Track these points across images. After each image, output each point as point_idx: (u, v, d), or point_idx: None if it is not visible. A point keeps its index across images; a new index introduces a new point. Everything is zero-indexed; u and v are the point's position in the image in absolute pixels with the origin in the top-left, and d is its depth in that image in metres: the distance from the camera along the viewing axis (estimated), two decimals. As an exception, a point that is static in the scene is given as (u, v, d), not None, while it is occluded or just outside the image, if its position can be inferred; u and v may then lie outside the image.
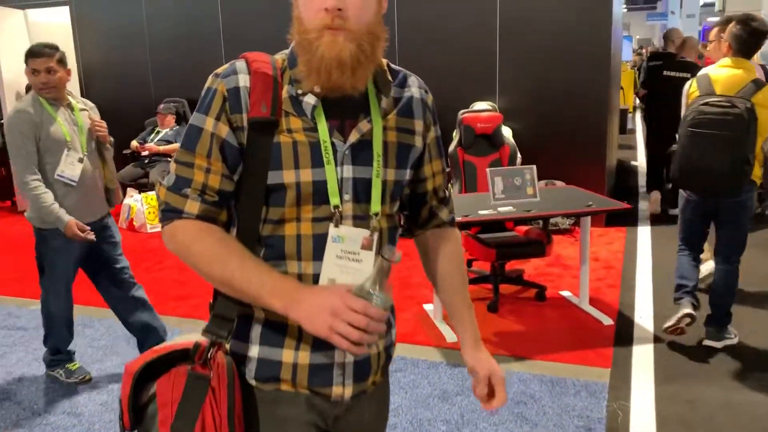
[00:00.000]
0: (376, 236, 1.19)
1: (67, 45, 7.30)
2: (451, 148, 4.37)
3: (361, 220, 1.18)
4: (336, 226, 1.16)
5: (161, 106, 6.75)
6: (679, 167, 3.27)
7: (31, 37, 7.39)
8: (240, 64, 1.18)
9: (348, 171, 1.17)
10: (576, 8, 5.59)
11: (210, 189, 1.15)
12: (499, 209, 3.64)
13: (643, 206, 6.58)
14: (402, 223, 1.38)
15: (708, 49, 4.14)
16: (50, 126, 2.97)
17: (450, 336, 3.62)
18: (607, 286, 4.38)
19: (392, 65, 1.28)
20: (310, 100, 1.16)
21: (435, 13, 6.03)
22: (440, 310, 3.82)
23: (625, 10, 36.38)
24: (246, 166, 1.16)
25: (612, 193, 6.62)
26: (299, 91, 1.16)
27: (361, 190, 1.18)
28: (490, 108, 5.22)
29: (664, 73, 6.18)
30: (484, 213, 3.58)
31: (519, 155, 5.67)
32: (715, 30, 3.73)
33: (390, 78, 1.25)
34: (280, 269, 1.16)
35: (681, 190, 3.44)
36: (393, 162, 1.22)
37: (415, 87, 1.30)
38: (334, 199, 1.16)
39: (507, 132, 5.74)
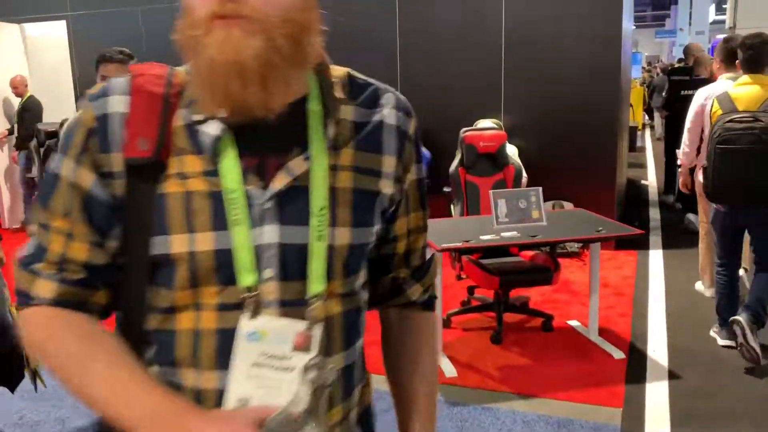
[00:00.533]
0: (318, 331, 0.80)
1: (63, 60, 7.17)
2: (453, 167, 4.15)
3: (292, 306, 0.80)
4: (252, 317, 0.78)
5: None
6: (712, 183, 3.36)
7: (28, 52, 7.27)
8: (118, 81, 0.82)
9: (271, 234, 0.79)
10: (585, 23, 5.39)
11: (72, 262, 0.80)
12: (503, 234, 3.41)
13: (655, 228, 6.34)
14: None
15: (715, 66, 4.18)
16: None
17: (449, 370, 3.38)
18: (617, 315, 4.14)
19: (358, 75, 0.92)
20: (211, 129, 0.78)
21: (437, 27, 5.84)
22: (441, 340, 3.58)
23: (634, 27, 36.43)
24: (125, 229, 0.80)
25: (622, 214, 6.39)
26: (197, 117, 0.79)
27: (291, 262, 0.79)
28: (495, 126, 5.00)
29: (682, 92, 6.26)
30: (486, 238, 3.35)
31: (525, 175, 5.45)
32: (721, 48, 3.99)
33: (347, 93, 0.88)
34: (170, 381, 0.80)
35: (713, 204, 3.53)
36: (347, 217, 0.83)
37: (389, 108, 0.90)
38: (247, 278, 0.78)
39: (512, 151, 5.53)
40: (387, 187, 0.88)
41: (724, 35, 5.10)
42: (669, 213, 6.95)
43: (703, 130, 3.72)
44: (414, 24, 5.91)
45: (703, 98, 3.80)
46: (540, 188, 3.60)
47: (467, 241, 3.29)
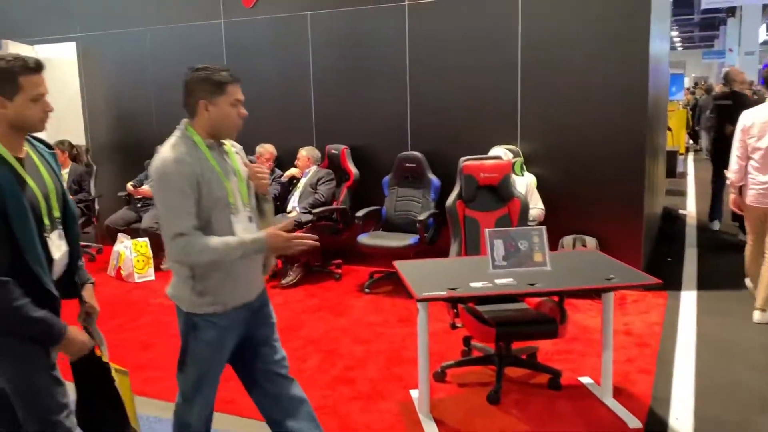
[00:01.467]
0: None
1: (72, 81, 7.03)
2: (450, 200, 3.73)
3: None
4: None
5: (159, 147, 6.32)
6: None
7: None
8: None
9: None
10: (609, 43, 4.92)
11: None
12: (497, 281, 2.96)
13: (689, 265, 5.76)
14: None
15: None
16: (211, 176, 2.17)
17: (434, 437, 2.94)
18: (638, 371, 3.62)
19: None
20: None
21: (449, 47, 5.45)
22: (428, 399, 3.13)
23: (681, 48, 35.34)
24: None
25: (653, 248, 5.84)
26: None
27: None
28: (502, 155, 4.56)
29: (727, 115, 6.14)
30: (477, 286, 2.90)
31: (541, 207, 5.00)
32: None
33: None
34: None
35: None
36: None
37: None
38: None
39: (530, 179, 5.09)
40: None
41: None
42: (708, 249, 6.35)
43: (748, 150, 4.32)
44: (424, 46, 5.54)
45: (748, 120, 4.34)
46: (544, 227, 3.15)
47: (454, 289, 2.86)
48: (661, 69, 6.77)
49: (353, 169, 5.71)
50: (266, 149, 5.95)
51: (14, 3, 7.37)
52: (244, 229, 2.19)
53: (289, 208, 5.72)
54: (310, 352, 4.03)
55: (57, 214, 2.06)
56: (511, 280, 2.98)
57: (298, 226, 5.43)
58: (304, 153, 5.82)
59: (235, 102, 2.19)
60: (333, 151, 5.80)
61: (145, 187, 6.22)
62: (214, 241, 2.09)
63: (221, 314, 2.19)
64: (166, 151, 2.12)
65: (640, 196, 5.04)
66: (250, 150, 6.03)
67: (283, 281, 5.41)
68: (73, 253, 2.14)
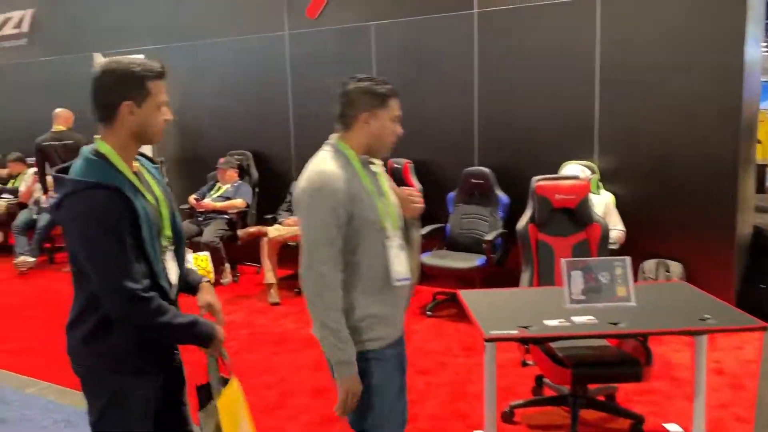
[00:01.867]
0: None
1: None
2: (522, 224, 3.44)
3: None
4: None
5: (222, 160, 6.27)
6: None
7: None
8: None
9: None
10: (697, 49, 4.51)
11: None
12: (574, 319, 2.65)
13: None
14: None
15: None
16: (364, 195, 1.95)
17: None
18: (733, 418, 3.22)
19: None
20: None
21: (520, 55, 5.14)
22: (494, 444, 2.85)
23: (766, 53, 33.43)
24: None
25: (744, 274, 5.34)
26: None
27: None
28: (579, 173, 4.23)
29: None
30: (552, 325, 2.61)
31: (621, 228, 4.62)
32: None
33: None
34: None
35: None
36: None
37: None
38: None
39: (608, 198, 4.72)
40: None
41: None
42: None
43: None
44: (494, 55, 5.25)
45: None
46: (628, 258, 2.81)
47: (525, 327, 2.57)
48: (754, 76, 6.25)
49: (417, 185, 5.47)
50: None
51: (92, 17, 7.53)
52: (397, 257, 1.98)
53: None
54: (369, 381, 3.81)
55: (169, 233, 1.86)
56: (591, 318, 2.66)
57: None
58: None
59: (395, 118, 2.00)
60: (395, 166, 5.58)
61: (207, 201, 6.17)
62: (337, 299, 1.90)
63: (383, 349, 1.99)
64: (316, 166, 1.93)
65: (731, 216, 4.59)
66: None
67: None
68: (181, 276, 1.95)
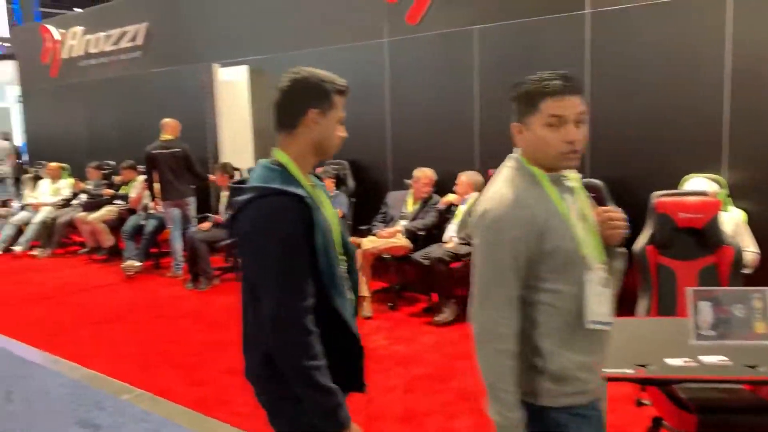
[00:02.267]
0: None
1: (243, 104, 7.20)
2: (639, 245, 3.06)
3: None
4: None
5: (320, 170, 6.21)
6: None
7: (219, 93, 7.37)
8: None
9: None
10: None
11: None
12: (702, 359, 2.27)
13: None
14: None
15: None
16: (557, 221, 1.64)
17: None
18: None
19: None
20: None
21: (638, 59, 4.72)
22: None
23: None
24: None
25: None
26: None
27: None
28: (708, 188, 3.77)
29: None
30: (675, 365, 2.24)
31: (755, 251, 4.09)
32: None
33: None
34: None
35: None
36: None
37: None
38: None
39: (737, 216, 4.20)
40: None
41: None
42: None
43: None
44: (608, 59, 4.86)
45: None
46: (769, 289, 2.41)
47: (643, 366, 2.22)
48: None
49: (613, 206, 5.12)
50: (424, 173, 5.58)
51: (200, 30, 7.77)
52: (597, 294, 1.63)
53: (446, 237, 5.29)
54: (463, 409, 3.53)
55: (340, 250, 1.74)
56: (723, 358, 2.27)
57: (455, 258, 4.97)
58: (464, 178, 5.36)
59: (553, 118, 1.60)
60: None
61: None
62: (509, 353, 1.61)
63: (586, 406, 1.67)
64: (499, 189, 1.64)
65: None
66: (407, 173, 5.71)
67: (437, 318, 4.97)
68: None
